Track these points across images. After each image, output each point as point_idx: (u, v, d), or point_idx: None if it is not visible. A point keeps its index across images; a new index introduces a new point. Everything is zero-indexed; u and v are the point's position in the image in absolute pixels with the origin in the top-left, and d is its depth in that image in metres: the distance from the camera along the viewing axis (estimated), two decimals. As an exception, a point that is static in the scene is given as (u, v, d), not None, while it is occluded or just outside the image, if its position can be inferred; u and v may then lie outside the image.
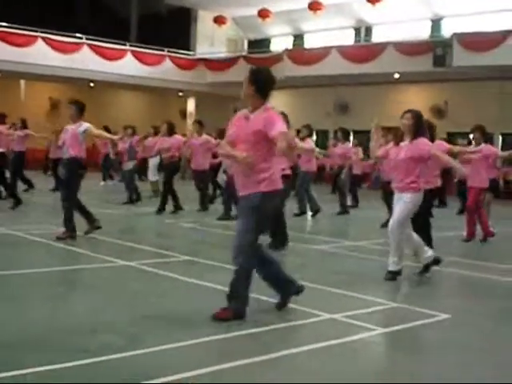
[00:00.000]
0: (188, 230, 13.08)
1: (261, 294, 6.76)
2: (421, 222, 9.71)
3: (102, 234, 10.83)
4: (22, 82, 33.24)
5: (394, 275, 8.32)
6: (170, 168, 15.34)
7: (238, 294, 6.06)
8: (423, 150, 8.20)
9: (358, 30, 33.18)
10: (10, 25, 28.13)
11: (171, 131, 15.56)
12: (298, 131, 14.84)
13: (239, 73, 31.56)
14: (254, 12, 31.94)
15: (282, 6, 31.44)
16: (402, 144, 8.42)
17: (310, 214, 15.73)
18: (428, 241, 9.89)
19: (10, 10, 28.82)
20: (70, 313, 6.21)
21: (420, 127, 8.33)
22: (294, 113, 31.54)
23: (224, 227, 12.71)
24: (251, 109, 6.10)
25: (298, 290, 6.52)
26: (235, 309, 6.03)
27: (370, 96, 29.66)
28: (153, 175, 18.99)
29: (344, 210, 16.65)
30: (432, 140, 11.51)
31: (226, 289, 6.20)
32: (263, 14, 31.88)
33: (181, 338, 5.43)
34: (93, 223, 10.74)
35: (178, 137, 15.69)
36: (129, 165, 17.55)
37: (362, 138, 23.27)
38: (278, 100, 34.61)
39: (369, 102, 29.21)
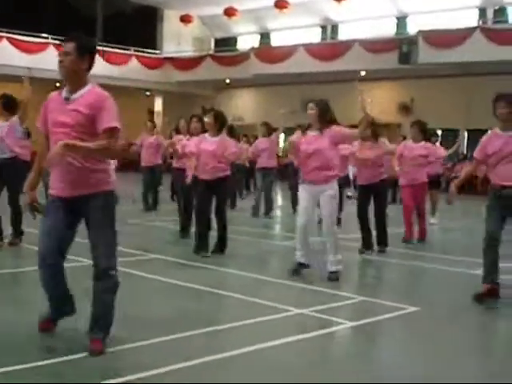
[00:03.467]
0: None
1: (229, 291, 6.77)
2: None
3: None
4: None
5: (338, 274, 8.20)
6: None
7: None
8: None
9: (324, 28, 33.29)
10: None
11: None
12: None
13: (207, 71, 32.01)
14: (221, 11, 31.91)
15: (249, 4, 31.43)
16: (310, 134, 8.29)
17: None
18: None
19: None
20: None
21: (326, 116, 8.17)
22: (261, 110, 31.82)
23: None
24: None
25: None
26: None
27: (337, 93, 29.70)
28: None
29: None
30: (427, 139, 11.64)
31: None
32: (230, 12, 31.85)
33: (142, 337, 5.37)
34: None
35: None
36: None
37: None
38: (245, 98, 34.73)
39: (335, 99, 29.14)
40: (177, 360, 4.85)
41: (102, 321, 5.09)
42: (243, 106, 34.23)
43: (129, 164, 20.40)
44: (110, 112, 4.96)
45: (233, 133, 14.24)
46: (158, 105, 35.91)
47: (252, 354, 5.15)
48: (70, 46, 4.95)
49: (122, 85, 32.27)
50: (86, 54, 5.02)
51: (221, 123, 9.60)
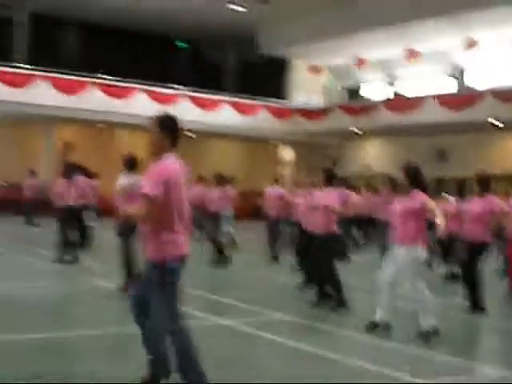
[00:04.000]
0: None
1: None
2: None
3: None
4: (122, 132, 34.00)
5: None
6: None
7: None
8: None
9: (454, 77, 32.60)
10: (113, 78, 29.09)
11: None
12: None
13: (336, 121, 32.01)
14: (349, 60, 31.94)
15: (378, 54, 31.34)
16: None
17: None
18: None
19: (112, 64, 29.72)
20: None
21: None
22: (390, 161, 31.42)
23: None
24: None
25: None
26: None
27: (468, 143, 29.11)
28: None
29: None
30: None
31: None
32: (359, 62, 31.84)
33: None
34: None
35: None
36: None
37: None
38: (373, 148, 34.44)
39: (467, 149, 28.67)
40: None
41: None
42: (371, 156, 33.97)
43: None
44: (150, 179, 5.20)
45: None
46: (287, 154, 36.15)
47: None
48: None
49: (251, 134, 32.84)
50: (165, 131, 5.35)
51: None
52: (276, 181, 16.30)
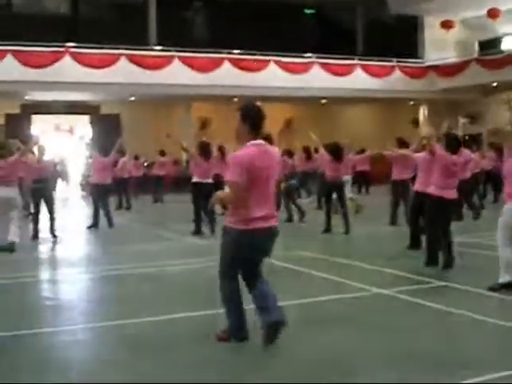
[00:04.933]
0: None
1: None
2: None
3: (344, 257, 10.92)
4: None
5: None
6: None
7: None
8: None
9: None
10: (242, 51, 29.40)
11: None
12: None
13: (472, 76, 31.00)
14: (483, 12, 30.83)
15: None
16: None
17: None
18: None
19: (243, 37, 29.95)
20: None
21: None
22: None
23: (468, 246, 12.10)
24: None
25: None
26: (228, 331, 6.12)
27: None
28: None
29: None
30: None
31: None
32: (493, 13, 30.68)
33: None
34: None
35: None
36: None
37: None
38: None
39: None
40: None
41: None
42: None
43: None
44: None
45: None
46: (423, 114, 35.41)
47: None
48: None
49: (385, 97, 32.37)
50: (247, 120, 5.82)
51: None
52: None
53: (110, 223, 15.94)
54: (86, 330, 6.89)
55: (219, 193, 5.91)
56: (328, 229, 14.53)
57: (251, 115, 5.79)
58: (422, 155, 10.63)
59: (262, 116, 5.83)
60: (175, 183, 26.60)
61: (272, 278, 6.30)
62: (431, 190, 9.65)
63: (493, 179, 19.68)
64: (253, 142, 5.76)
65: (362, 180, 25.91)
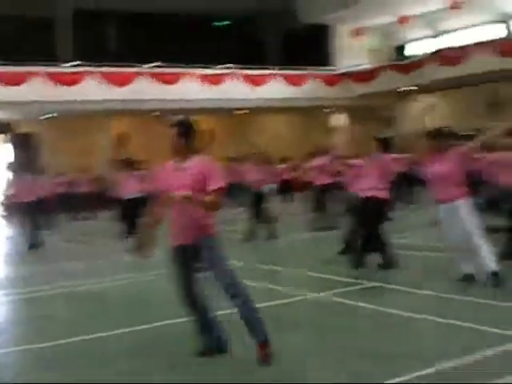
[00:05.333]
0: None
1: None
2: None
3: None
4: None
5: None
6: None
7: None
8: None
9: (504, 24, 31.83)
10: (160, 64, 29.32)
11: None
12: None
13: (386, 81, 31.64)
14: (392, 19, 31.61)
15: (420, 9, 30.96)
16: None
17: None
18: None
19: (159, 49, 29.91)
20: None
21: None
22: (443, 115, 31.01)
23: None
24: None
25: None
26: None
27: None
28: None
29: None
30: None
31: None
32: (402, 20, 31.50)
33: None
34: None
35: None
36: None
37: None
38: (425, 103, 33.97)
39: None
40: None
41: None
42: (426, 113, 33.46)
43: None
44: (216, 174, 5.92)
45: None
46: (340, 120, 36.03)
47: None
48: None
49: (301, 105, 32.77)
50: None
51: None
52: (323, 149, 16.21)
53: (33, 243, 15.68)
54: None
55: (211, 198, 5.77)
56: (252, 237, 14.71)
57: (187, 129, 5.96)
58: (359, 161, 10.82)
59: (196, 130, 6.03)
60: (97, 200, 26.29)
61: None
62: (371, 192, 9.95)
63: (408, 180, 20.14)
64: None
65: (286, 188, 26.19)
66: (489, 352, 5.71)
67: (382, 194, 9.92)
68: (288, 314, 7.69)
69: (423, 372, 5.28)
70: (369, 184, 9.96)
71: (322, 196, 15.65)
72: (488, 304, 7.46)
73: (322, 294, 8.54)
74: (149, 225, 6.10)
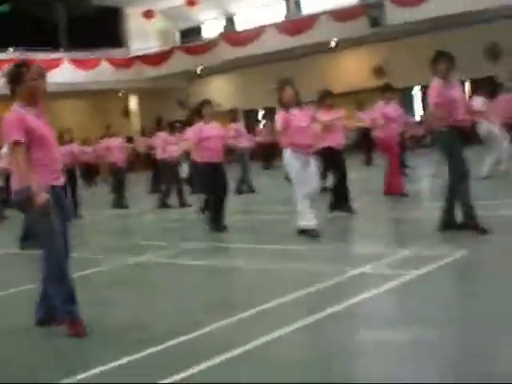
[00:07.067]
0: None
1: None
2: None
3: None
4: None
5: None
6: None
7: None
8: None
9: (288, 3, 32.70)
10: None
11: None
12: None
13: (176, 64, 31.67)
14: (182, 1, 31.59)
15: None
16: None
17: None
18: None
19: None
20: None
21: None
22: (238, 95, 31.59)
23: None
24: None
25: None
26: None
27: (310, 66, 29.47)
28: None
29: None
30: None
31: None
32: (190, 2, 31.54)
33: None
34: None
35: None
36: None
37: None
38: (220, 84, 34.37)
39: (309, 72, 28.86)
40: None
41: None
42: (219, 93, 33.74)
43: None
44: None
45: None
46: (133, 103, 35.70)
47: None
48: None
49: (93, 88, 32.09)
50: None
51: None
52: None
53: None
54: None
55: None
56: None
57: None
58: None
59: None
60: None
61: None
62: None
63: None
64: None
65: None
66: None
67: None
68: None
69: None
70: None
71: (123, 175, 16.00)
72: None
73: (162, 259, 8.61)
74: None
